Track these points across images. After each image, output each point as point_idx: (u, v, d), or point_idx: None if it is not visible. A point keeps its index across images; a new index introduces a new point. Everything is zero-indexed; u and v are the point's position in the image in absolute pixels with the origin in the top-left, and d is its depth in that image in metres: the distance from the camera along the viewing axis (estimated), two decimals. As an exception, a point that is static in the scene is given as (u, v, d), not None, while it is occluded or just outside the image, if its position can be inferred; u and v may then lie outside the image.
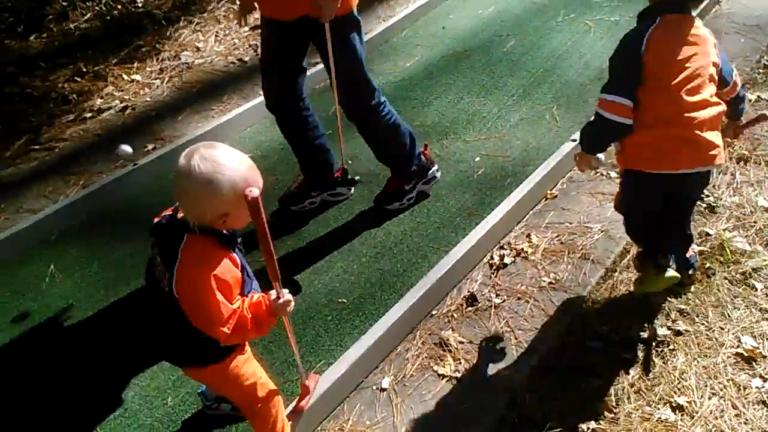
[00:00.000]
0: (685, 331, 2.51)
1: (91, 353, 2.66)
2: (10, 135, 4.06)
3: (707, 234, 2.92)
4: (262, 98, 4.10)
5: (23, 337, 2.78)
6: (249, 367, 2.01)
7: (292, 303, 1.85)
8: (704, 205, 3.09)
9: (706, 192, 3.15)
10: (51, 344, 2.73)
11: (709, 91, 2.23)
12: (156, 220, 1.85)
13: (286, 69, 3.05)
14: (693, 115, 2.18)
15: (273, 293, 1.83)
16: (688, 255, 2.60)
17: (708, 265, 2.75)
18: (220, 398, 2.33)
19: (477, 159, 3.59)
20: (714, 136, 2.22)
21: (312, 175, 3.35)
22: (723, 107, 2.28)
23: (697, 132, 2.18)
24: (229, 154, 1.72)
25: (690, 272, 2.64)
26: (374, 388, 2.44)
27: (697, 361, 2.41)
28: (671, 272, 2.42)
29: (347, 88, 2.98)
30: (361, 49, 2.92)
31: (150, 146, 3.90)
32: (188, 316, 1.76)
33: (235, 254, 1.82)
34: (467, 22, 5.02)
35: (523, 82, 4.17)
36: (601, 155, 2.46)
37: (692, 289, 2.67)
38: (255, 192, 1.68)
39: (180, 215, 1.78)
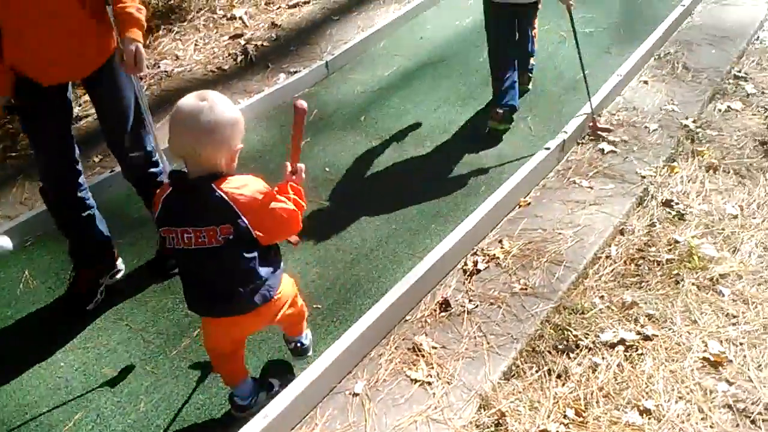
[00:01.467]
0: (654, 335, 2.56)
1: (63, 358, 2.66)
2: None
3: (676, 241, 2.97)
4: (239, 106, 4.15)
5: (-4, 343, 2.78)
6: (287, 281, 2.26)
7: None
8: (674, 213, 3.14)
9: (675, 200, 3.22)
10: (23, 349, 2.72)
11: None
12: (157, 208, 1.97)
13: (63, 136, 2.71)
14: None
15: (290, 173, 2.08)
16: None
17: (676, 271, 2.80)
18: (258, 389, 2.39)
19: (453, 167, 3.63)
20: None
21: (96, 255, 2.96)
22: None
23: None
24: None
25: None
26: (347, 392, 2.45)
27: (665, 366, 2.45)
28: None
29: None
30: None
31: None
32: (268, 231, 1.97)
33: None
34: (445, 33, 5.08)
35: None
36: None
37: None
38: (305, 103, 2.01)
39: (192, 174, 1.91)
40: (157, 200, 1.99)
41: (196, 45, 5.07)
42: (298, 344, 2.52)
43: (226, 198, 1.88)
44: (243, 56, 4.86)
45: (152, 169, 2.91)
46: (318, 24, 5.33)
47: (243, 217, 1.90)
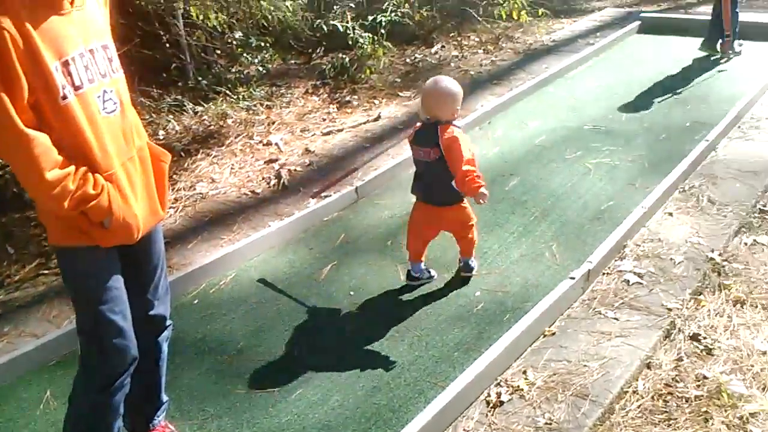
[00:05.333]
0: (684, 477, 2.46)
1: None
2: (21, 258, 4.19)
3: (704, 377, 2.91)
4: (270, 229, 4.28)
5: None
6: (470, 211, 3.65)
7: None
8: (701, 347, 3.09)
9: (703, 334, 3.18)
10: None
11: None
12: (411, 135, 3.55)
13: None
14: None
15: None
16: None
17: (705, 408, 2.73)
18: (426, 271, 3.77)
19: (477, 293, 3.64)
20: None
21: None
22: None
23: None
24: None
25: None
26: None
27: None
28: None
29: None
30: None
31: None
32: (450, 162, 3.35)
33: (459, 128, 3.48)
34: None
35: (523, 220, 4.29)
36: None
37: (690, 433, 2.64)
38: None
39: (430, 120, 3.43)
40: (412, 131, 3.55)
41: (232, 168, 5.28)
42: (468, 263, 3.78)
43: (438, 134, 3.35)
44: (276, 180, 5.04)
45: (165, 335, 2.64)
46: (350, 151, 5.53)
47: (441, 147, 3.35)
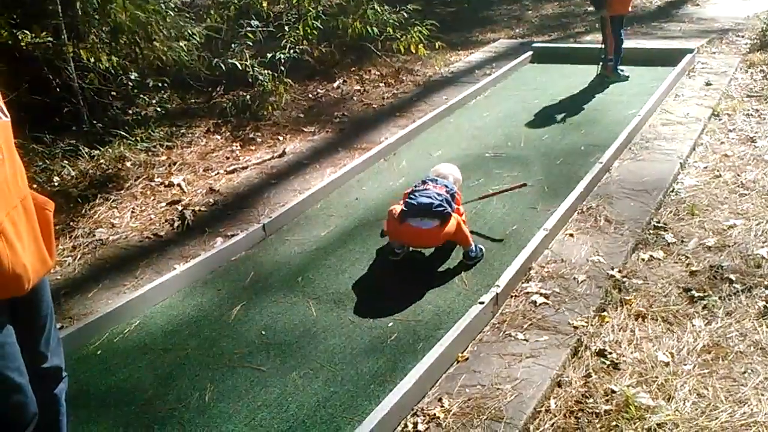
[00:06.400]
0: (599, 492, 2.51)
1: None
2: None
3: (612, 391, 2.99)
4: (175, 272, 4.15)
5: None
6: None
7: None
8: (608, 362, 3.19)
9: (608, 349, 3.28)
10: None
11: None
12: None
13: None
14: None
15: None
16: None
17: (615, 422, 2.80)
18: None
19: (390, 324, 3.63)
20: None
21: None
22: None
23: None
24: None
25: None
26: None
27: None
28: None
29: None
30: None
31: (58, 325, 3.79)
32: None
33: None
34: (379, 193, 5.26)
35: (431, 249, 4.33)
36: None
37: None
38: None
39: None
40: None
41: (132, 212, 5.11)
42: (469, 252, 4.10)
43: None
44: (180, 221, 4.90)
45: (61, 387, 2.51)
46: (255, 188, 5.47)
47: None
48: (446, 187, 4.15)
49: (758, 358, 3.20)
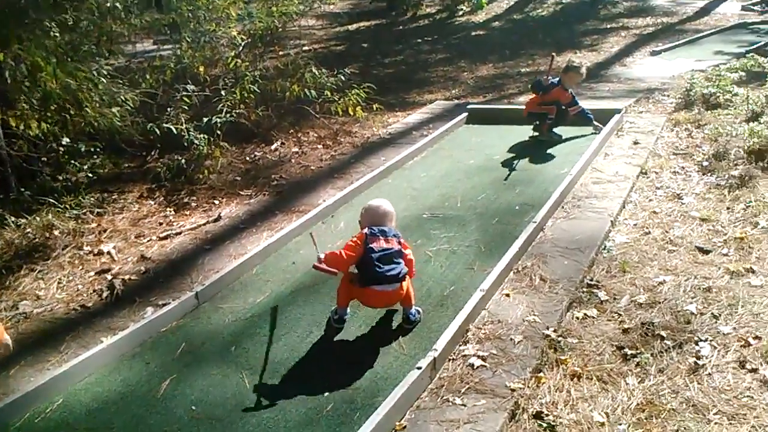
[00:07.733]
0: None
1: None
2: None
3: (550, 455, 2.96)
4: (101, 345, 3.99)
5: None
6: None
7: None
8: (545, 425, 3.16)
9: (545, 411, 3.25)
10: None
11: None
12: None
13: None
14: None
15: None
16: None
17: (553, 488, 2.76)
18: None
19: (326, 394, 3.55)
20: None
21: None
22: None
23: None
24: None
25: None
26: None
27: None
28: None
29: None
30: None
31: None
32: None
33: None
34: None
35: (370, 312, 4.27)
36: None
37: None
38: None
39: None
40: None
41: (59, 283, 4.93)
42: (409, 316, 4.09)
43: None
44: (109, 291, 4.75)
45: None
46: (189, 255, 5.35)
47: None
48: (396, 237, 4.09)
49: (690, 415, 3.22)
